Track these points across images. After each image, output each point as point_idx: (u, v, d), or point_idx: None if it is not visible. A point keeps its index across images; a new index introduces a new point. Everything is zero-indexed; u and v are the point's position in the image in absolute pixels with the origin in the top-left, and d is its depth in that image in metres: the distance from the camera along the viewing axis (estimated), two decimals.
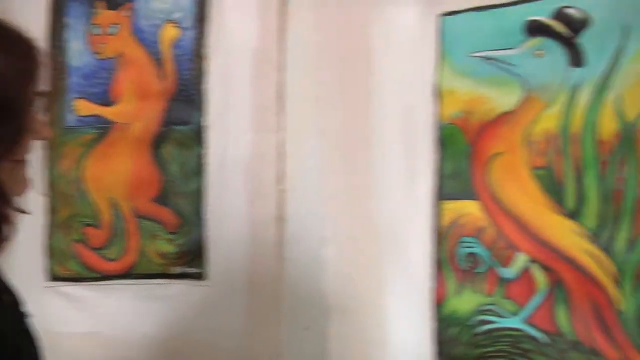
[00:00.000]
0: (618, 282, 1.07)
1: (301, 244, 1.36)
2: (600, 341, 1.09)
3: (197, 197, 1.41)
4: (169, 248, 1.42)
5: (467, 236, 1.21)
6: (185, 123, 1.42)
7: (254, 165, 1.38)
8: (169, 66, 1.43)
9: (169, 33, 1.44)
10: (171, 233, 1.42)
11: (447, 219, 1.23)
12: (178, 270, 1.42)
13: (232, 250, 1.39)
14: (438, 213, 1.23)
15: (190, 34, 1.43)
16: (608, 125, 1.08)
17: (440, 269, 1.23)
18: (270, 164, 1.36)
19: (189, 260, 1.42)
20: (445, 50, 1.23)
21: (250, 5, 1.39)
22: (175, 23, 1.44)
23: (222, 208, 1.39)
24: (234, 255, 1.39)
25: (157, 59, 1.44)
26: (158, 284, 1.42)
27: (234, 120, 1.40)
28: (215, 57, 1.42)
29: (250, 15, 1.39)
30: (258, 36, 1.38)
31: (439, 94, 1.23)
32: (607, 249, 1.08)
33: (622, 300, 1.07)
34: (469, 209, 1.21)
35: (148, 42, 1.44)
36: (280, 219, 1.37)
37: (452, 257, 1.22)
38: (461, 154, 1.21)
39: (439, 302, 1.23)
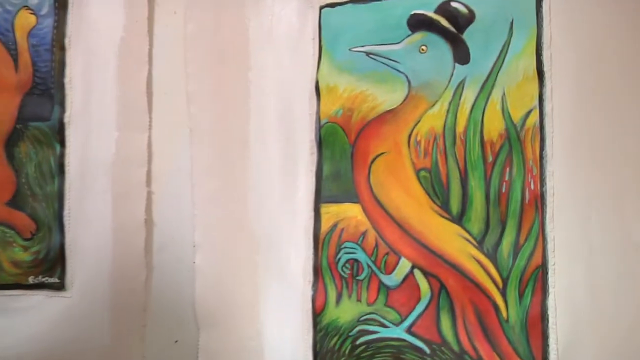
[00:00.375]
0: (503, 290, 1.05)
1: (170, 250, 1.29)
2: (484, 351, 1.06)
3: (56, 200, 1.29)
4: (24, 256, 1.30)
5: (348, 241, 1.16)
6: (43, 119, 1.30)
7: (120, 166, 1.28)
8: (25, 57, 1.30)
9: (25, 20, 1.31)
10: (27, 240, 1.29)
11: (327, 223, 1.17)
12: (34, 280, 1.29)
13: (94, 258, 1.28)
14: (317, 217, 1.18)
15: (49, 22, 1.31)
16: (494, 125, 1.06)
17: (319, 276, 1.17)
18: (138, 164, 1.28)
19: (47, 269, 1.29)
20: (325, 44, 1.18)
21: None
22: (32, 10, 1.31)
23: (84, 212, 1.28)
24: (97, 263, 1.28)
25: (10, 49, 1.31)
26: (12, 295, 1.29)
27: (98, 117, 1.29)
28: (76, 48, 1.30)
29: (116, 2, 1.29)
30: (125, 26, 1.29)
31: (319, 91, 1.18)
32: (492, 255, 1.05)
33: (507, 308, 1.05)
34: (350, 213, 1.15)
35: (0, 30, 1.31)
36: (149, 224, 1.29)
37: (332, 264, 1.16)
38: (342, 154, 1.16)
39: (319, 312, 1.17)
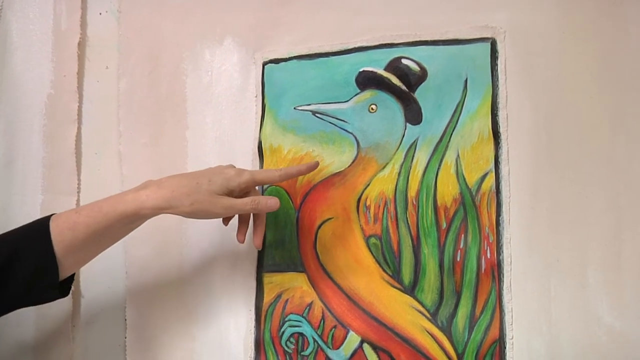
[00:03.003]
0: None
1: (98, 327, 1.22)
2: None
3: None
4: None
5: (293, 313, 1.09)
6: None
7: None
8: None
9: None
10: None
11: (270, 293, 1.11)
12: None
13: (16, 333, 1.21)
14: (260, 287, 1.12)
15: None
16: (447, 189, 1.02)
17: (261, 351, 1.10)
18: None
19: None
20: (268, 102, 1.14)
21: (44, 45, 1.25)
22: None
23: None
24: (19, 338, 1.21)
25: None
26: None
27: (21, 179, 1.23)
28: None
29: (43, 57, 1.24)
30: (52, 82, 1.24)
31: (262, 152, 1.13)
32: (446, 328, 1.00)
33: None
34: (295, 283, 1.09)
35: None
36: (76, 296, 1.22)
37: (275, 338, 1.10)
38: (286, 220, 1.11)
39: None
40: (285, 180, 1.01)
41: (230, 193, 0.95)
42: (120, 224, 0.92)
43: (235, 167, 0.98)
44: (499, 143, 1.00)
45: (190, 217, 0.93)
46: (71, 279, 1.00)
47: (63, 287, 0.97)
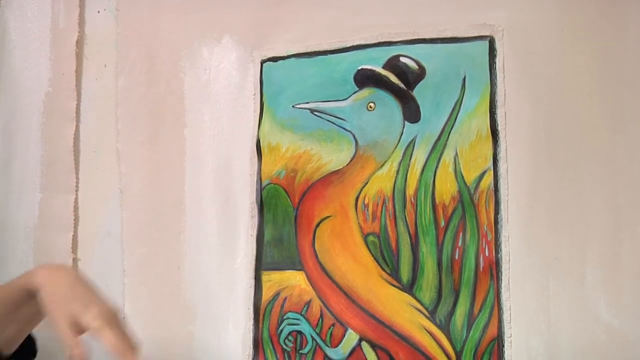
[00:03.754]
0: None
1: None
2: None
3: None
4: None
5: (291, 312, 1.09)
6: None
7: (43, 230, 1.22)
8: None
9: None
10: None
11: (268, 292, 1.11)
12: None
13: None
14: (258, 285, 1.11)
15: None
16: (446, 187, 1.02)
17: (260, 349, 1.10)
18: (63, 228, 1.21)
19: None
20: (266, 100, 1.13)
21: (42, 43, 1.24)
22: None
23: (3, 280, 1.17)
24: None
25: None
26: None
27: (19, 177, 1.23)
28: None
29: (41, 55, 1.24)
30: (50, 80, 1.24)
31: (260, 150, 1.13)
32: (444, 326, 1.00)
33: None
34: (293, 281, 1.09)
35: None
36: None
37: (273, 336, 1.10)
38: (285, 218, 1.11)
39: None
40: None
41: None
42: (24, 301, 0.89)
43: None
44: (497, 141, 1.00)
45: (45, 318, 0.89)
46: (31, 342, 0.97)
47: (24, 352, 0.96)
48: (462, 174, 1.01)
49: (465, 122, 1.02)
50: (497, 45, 1.01)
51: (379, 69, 1.07)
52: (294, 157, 1.11)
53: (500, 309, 0.98)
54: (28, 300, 0.89)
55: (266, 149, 1.13)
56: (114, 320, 0.84)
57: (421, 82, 1.05)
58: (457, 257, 1.01)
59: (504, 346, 0.97)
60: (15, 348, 0.95)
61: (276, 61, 1.13)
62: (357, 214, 1.06)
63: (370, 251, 1.05)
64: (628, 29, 0.96)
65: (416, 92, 1.05)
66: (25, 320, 0.93)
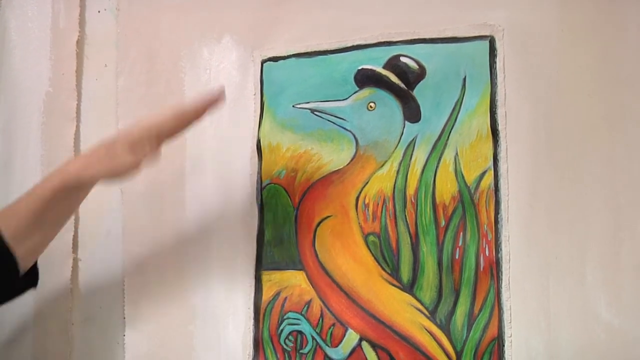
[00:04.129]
0: None
1: (97, 323, 1.21)
2: None
3: None
4: None
5: (292, 311, 1.09)
6: None
7: None
8: None
9: None
10: None
11: (268, 292, 1.11)
12: None
13: (14, 330, 1.21)
14: (258, 285, 1.11)
15: None
16: (446, 187, 1.02)
17: (260, 349, 1.10)
18: (64, 228, 1.16)
19: None
20: (267, 100, 1.13)
21: (42, 43, 1.24)
22: None
23: None
24: (17, 335, 1.21)
25: None
26: None
27: (19, 177, 1.23)
28: None
29: (41, 55, 1.24)
30: (50, 79, 1.23)
31: (260, 150, 1.13)
32: (445, 326, 1.00)
33: None
34: (293, 281, 1.09)
35: None
36: (75, 293, 1.21)
37: (274, 336, 1.09)
38: (285, 218, 1.11)
39: None
40: (180, 119, 0.96)
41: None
42: (56, 199, 0.92)
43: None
44: (497, 141, 1.00)
45: (111, 175, 0.93)
46: (35, 270, 1.00)
47: (29, 277, 0.97)
48: (462, 174, 1.01)
49: (466, 122, 1.02)
50: (498, 45, 1.01)
51: (379, 69, 1.07)
52: (294, 157, 1.11)
53: (500, 308, 0.98)
54: (62, 197, 0.92)
55: (266, 148, 1.12)
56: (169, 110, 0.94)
57: (421, 82, 1.04)
58: (457, 256, 1.01)
59: (504, 346, 0.97)
60: (32, 262, 0.96)
61: (276, 61, 1.13)
62: (357, 214, 1.06)
63: (370, 251, 1.05)
64: (628, 29, 0.96)
65: (416, 92, 1.05)
66: (51, 223, 0.96)
